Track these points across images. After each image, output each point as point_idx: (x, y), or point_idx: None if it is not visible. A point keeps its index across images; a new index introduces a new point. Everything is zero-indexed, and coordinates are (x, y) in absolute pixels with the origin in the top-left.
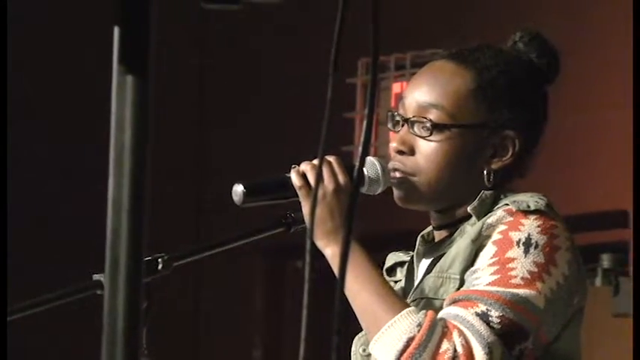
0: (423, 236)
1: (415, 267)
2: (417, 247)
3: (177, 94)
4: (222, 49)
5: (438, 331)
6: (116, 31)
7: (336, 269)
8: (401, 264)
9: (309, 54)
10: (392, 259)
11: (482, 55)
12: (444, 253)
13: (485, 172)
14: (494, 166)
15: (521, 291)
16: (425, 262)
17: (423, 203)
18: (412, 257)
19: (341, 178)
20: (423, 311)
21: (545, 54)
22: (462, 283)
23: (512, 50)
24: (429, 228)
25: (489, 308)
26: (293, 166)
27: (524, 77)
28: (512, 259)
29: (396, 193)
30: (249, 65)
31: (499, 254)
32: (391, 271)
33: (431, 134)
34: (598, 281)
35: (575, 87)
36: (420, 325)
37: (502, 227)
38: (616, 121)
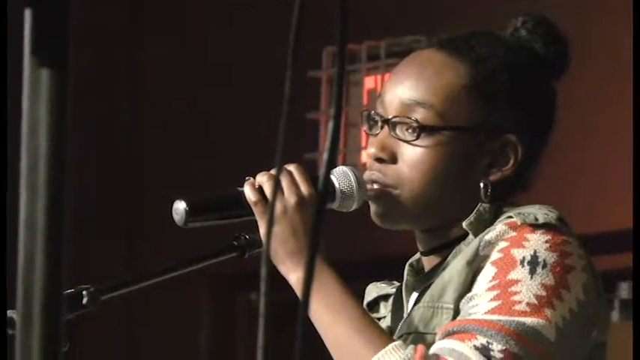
0: (411, 265)
1: (404, 301)
2: (405, 277)
3: (105, 90)
4: (160, 35)
5: None
6: (27, 13)
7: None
8: (385, 297)
9: (263, 42)
10: (373, 291)
11: (478, 44)
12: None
13: (482, 185)
14: (492, 178)
15: (528, 319)
16: (415, 296)
17: (407, 221)
18: (399, 289)
19: (304, 189)
20: (412, 346)
21: (552, 42)
22: (456, 313)
23: (513, 38)
24: (418, 254)
25: (490, 341)
26: (246, 178)
27: (528, 70)
28: (516, 282)
29: (374, 209)
30: (191, 55)
31: (500, 276)
32: (374, 305)
33: (417, 138)
34: (615, 315)
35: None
36: None
37: (503, 244)
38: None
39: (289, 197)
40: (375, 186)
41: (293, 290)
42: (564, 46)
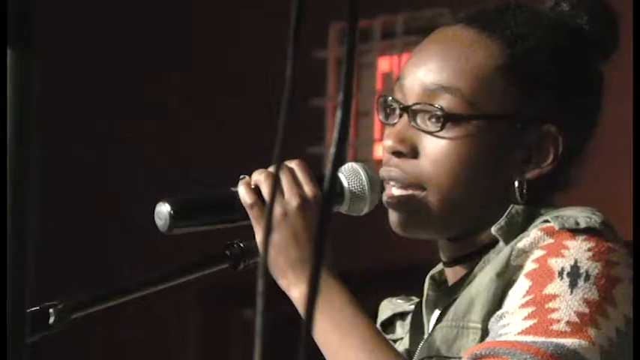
0: (433, 277)
1: (425, 321)
2: (425, 292)
3: (74, 76)
4: (139, 12)
5: None
6: None
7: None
8: (402, 316)
9: (262, 19)
10: (388, 308)
11: (514, 19)
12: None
13: (516, 183)
14: (528, 175)
15: (568, 341)
16: (438, 314)
17: (432, 229)
18: (418, 306)
19: (308, 190)
20: None
21: (599, 18)
22: (485, 333)
23: (554, 13)
24: (441, 265)
25: None
26: (241, 176)
27: (571, 50)
28: (554, 297)
29: (394, 216)
30: (175, 33)
31: (535, 290)
32: (389, 325)
33: (442, 128)
34: None
35: None
36: None
37: (538, 253)
38: None
39: (290, 199)
40: (393, 186)
41: (294, 306)
42: (613, 22)
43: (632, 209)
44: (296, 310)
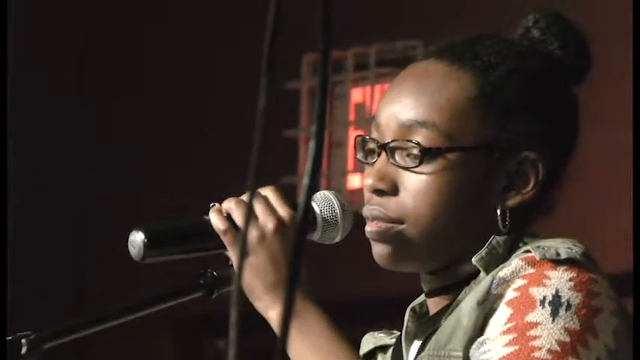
0: (413, 309)
1: (404, 352)
2: (405, 324)
3: (63, 99)
4: (111, 36)
5: None
6: None
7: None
8: (383, 349)
9: (236, 47)
10: (370, 341)
11: (484, 49)
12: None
13: (498, 211)
14: (510, 203)
15: None
16: (417, 345)
17: (415, 262)
18: (399, 338)
19: (283, 213)
20: None
21: (570, 43)
22: None
23: (525, 40)
24: (422, 297)
25: None
26: (212, 204)
27: (543, 76)
28: (535, 325)
29: (377, 250)
30: (150, 61)
31: (516, 318)
32: (370, 358)
33: (420, 163)
34: None
35: None
36: None
37: (520, 282)
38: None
39: (266, 222)
40: (378, 224)
41: (269, 336)
42: (584, 46)
43: (631, 250)
44: (270, 342)
